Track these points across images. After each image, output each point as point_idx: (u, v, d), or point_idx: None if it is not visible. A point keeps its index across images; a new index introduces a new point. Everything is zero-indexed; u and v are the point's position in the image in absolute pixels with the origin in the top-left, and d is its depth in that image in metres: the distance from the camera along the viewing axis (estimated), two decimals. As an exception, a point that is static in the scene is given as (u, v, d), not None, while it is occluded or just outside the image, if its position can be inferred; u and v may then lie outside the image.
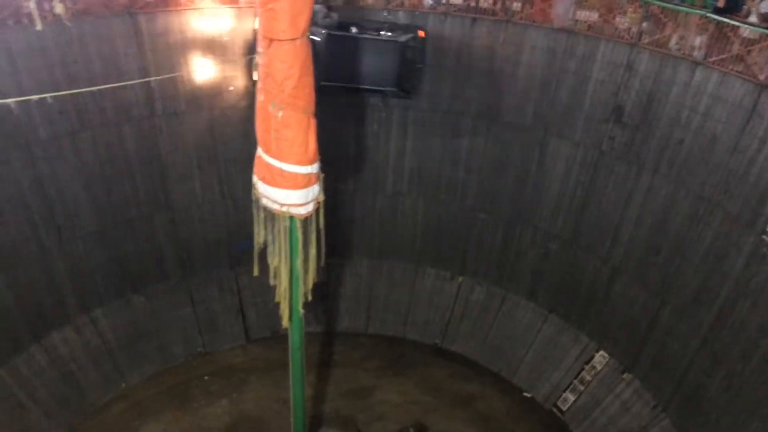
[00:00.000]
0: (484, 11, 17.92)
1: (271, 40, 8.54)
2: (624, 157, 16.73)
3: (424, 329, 22.05)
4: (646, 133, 16.04)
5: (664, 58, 15.27)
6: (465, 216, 20.80)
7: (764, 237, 13.49)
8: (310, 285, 11.08)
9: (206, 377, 19.65)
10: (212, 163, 19.54)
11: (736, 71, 13.90)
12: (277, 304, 11.41)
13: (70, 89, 15.25)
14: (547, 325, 20.05)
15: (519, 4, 17.46)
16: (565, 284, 19.35)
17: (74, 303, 18.04)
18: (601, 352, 18.53)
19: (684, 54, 14.96)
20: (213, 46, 17.89)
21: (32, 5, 14.18)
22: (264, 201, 10.01)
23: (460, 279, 21.72)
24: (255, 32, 16.82)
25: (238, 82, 18.65)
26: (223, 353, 20.70)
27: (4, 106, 13.41)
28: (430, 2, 18.38)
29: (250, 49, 17.84)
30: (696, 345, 15.39)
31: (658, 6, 15.27)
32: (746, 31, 13.96)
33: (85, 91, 15.02)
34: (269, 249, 10.72)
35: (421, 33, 17.28)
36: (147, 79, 16.77)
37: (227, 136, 19.27)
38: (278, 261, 10.68)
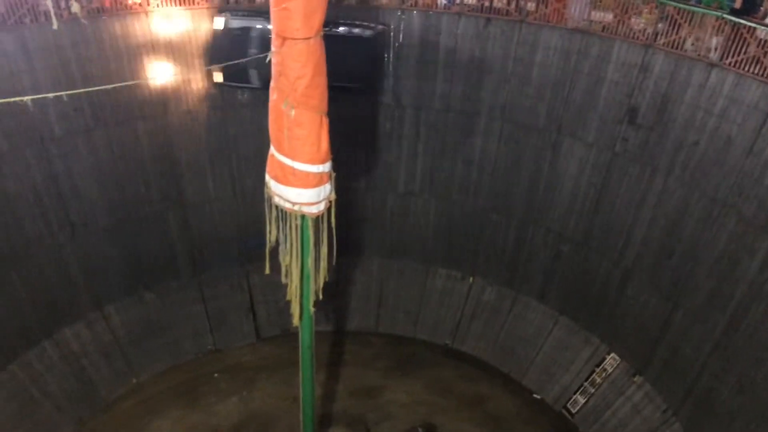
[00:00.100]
0: (498, 11, 17.85)
1: (285, 39, 8.55)
2: (637, 158, 16.62)
3: (434, 329, 22.03)
4: (660, 135, 15.92)
5: (680, 60, 15.15)
6: (477, 216, 20.76)
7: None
8: (321, 284, 11.09)
9: (216, 375, 19.73)
10: (224, 160, 19.63)
11: (753, 73, 13.77)
12: (288, 303, 11.44)
13: (85, 87, 15.38)
14: (558, 327, 19.97)
15: (533, 4, 17.38)
16: (577, 286, 19.26)
17: (87, 299, 18.20)
18: (612, 355, 18.43)
19: (699, 55, 14.84)
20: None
21: (49, 3, 14.34)
22: (276, 199, 10.03)
23: (471, 279, 21.67)
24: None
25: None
26: (233, 351, 20.79)
27: (20, 103, 13.50)
28: (444, 2, 18.35)
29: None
30: (708, 349, 15.28)
31: (674, 7, 15.15)
32: (763, 32, 13.83)
33: (100, 89, 15.12)
34: (281, 247, 10.74)
35: (383, 26, 17.42)
36: (161, 78, 16.88)
37: (240, 134, 19.35)
38: (290, 259, 10.69)
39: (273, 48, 8.78)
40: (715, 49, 14.63)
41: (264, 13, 15.61)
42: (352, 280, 22.20)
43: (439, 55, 18.66)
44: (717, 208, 14.86)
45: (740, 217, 14.32)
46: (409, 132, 20.20)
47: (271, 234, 10.63)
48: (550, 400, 19.56)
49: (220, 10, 17.66)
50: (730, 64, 14.19)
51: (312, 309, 11.30)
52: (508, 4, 17.82)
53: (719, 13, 14.51)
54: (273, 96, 9.21)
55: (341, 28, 17.47)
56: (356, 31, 17.62)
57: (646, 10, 16.05)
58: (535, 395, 19.81)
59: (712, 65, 14.53)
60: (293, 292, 11.13)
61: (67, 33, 15.31)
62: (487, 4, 17.85)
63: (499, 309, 21.20)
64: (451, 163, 20.32)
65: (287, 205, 9.92)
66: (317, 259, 10.77)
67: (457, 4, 18.15)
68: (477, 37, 18.16)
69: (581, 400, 18.80)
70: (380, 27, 18.17)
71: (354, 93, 18.01)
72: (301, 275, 10.87)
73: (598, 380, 18.54)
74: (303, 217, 10.14)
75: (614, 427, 17.70)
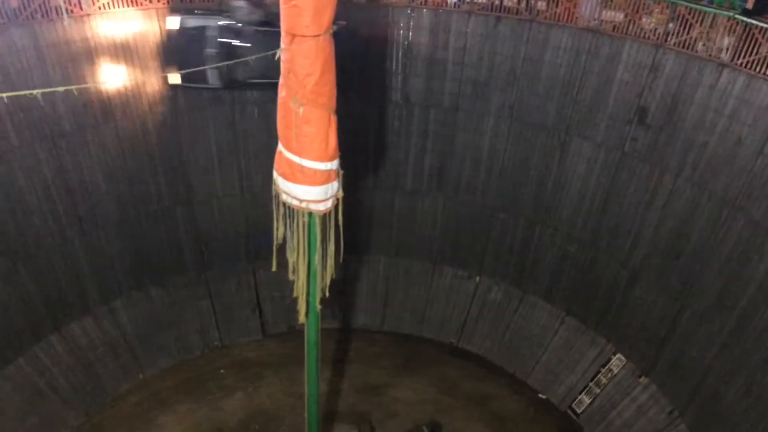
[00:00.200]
0: (509, 10, 17.77)
1: (294, 36, 8.54)
2: (646, 159, 16.55)
3: (440, 328, 22.02)
4: (670, 135, 15.85)
5: (690, 60, 15.06)
6: (484, 215, 20.71)
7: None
8: (328, 281, 11.09)
9: (222, 370, 19.80)
10: (232, 157, 19.67)
11: (764, 74, 13.69)
12: (294, 300, 11.44)
13: (94, 82, 15.43)
14: (564, 327, 19.92)
15: (544, 3, 17.30)
16: (584, 286, 19.20)
17: (94, 293, 18.26)
18: (618, 356, 18.37)
19: (710, 56, 14.75)
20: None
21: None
22: (284, 197, 10.04)
23: (478, 278, 21.64)
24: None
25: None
26: (239, 347, 20.85)
27: (30, 97, 13.60)
28: (454, 0, 18.29)
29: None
30: (715, 350, 15.21)
31: (686, 7, 15.07)
32: (775, 33, 13.75)
33: (109, 85, 15.20)
34: (288, 244, 10.75)
35: (343, 23, 17.18)
36: (169, 74, 16.91)
37: (248, 131, 19.38)
38: (297, 256, 10.70)
39: (282, 45, 8.78)
40: (727, 49, 14.54)
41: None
42: (358, 278, 22.22)
43: (449, 54, 18.61)
44: (726, 209, 14.78)
45: (749, 219, 14.24)
46: (417, 130, 20.16)
47: (279, 231, 10.65)
48: (555, 400, 19.53)
49: (173, 10, 16.99)
50: (741, 64, 14.10)
51: (318, 306, 11.30)
52: (519, 3, 17.73)
53: (731, 14, 14.42)
54: (282, 93, 9.20)
55: None
56: None
57: (657, 10, 15.96)
58: (540, 395, 19.78)
59: (723, 66, 14.44)
60: (300, 289, 11.12)
61: (77, 28, 15.35)
62: (497, 2, 17.75)
63: (505, 308, 21.16)
64: (459, 161, 20.28)
65: (295, 203, 9.92)
66: (324, 257, 10.77)
67: (467, 3, 18.09)
68: (487, 36, 18.10)
69: (587, 400, 18.76)
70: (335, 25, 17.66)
71: None
72: (307, 272, 10.87)
73: (604, 381, 18.50)
74: (310, 214, 10.13)
75: (619, 428, 17.65)
